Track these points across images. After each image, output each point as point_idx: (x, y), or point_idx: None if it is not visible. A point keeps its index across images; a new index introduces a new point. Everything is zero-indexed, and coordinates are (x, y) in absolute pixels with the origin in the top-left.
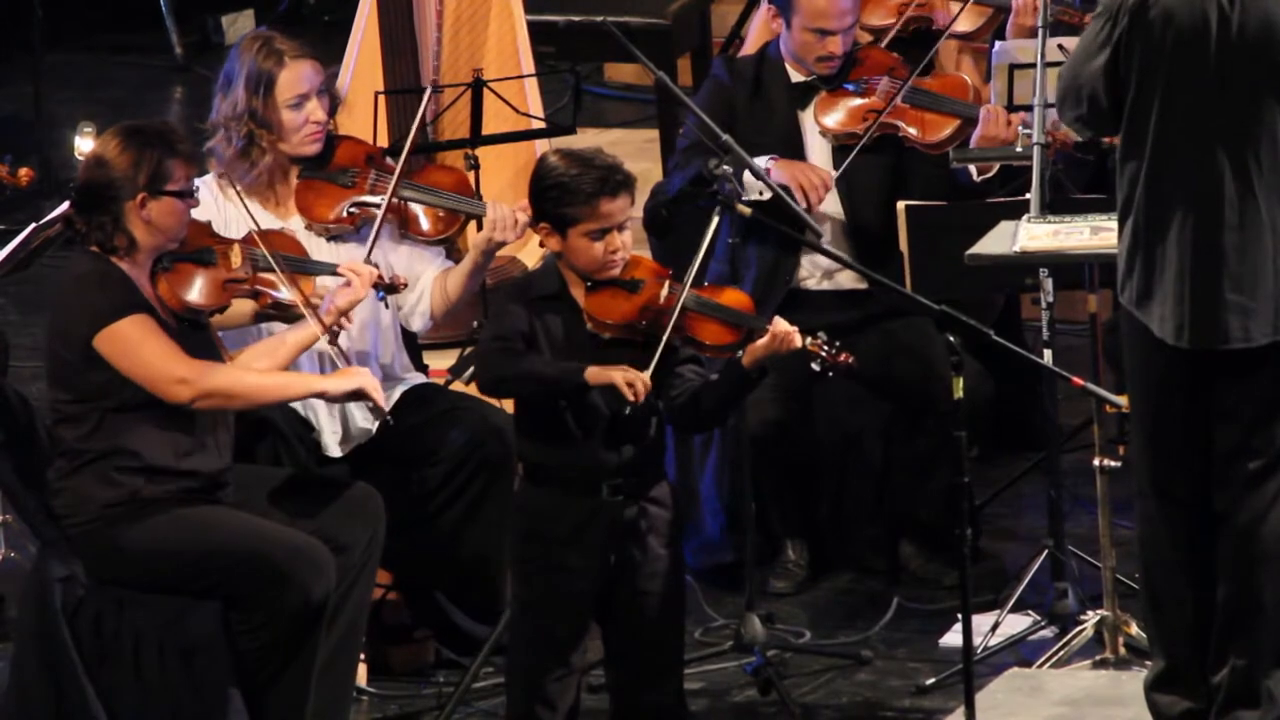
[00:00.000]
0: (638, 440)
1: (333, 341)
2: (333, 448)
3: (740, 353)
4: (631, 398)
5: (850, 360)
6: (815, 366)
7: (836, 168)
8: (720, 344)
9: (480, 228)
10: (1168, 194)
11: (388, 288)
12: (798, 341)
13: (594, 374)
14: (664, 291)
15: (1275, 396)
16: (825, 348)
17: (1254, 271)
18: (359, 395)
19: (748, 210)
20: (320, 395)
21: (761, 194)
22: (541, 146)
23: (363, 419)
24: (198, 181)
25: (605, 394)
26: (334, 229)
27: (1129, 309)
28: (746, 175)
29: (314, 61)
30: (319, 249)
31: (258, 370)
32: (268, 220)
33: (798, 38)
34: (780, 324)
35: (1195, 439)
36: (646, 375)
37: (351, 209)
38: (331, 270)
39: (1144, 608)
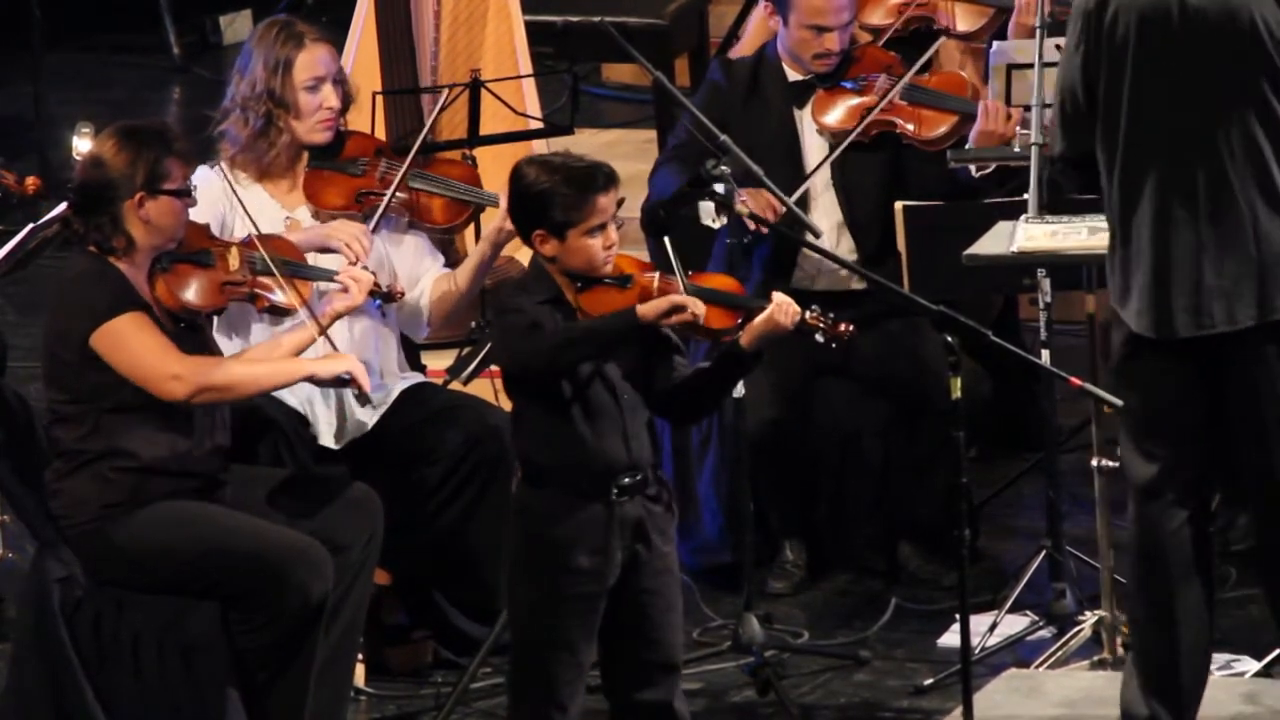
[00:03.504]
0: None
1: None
2: (327, 438)
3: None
4: (691, 316)
5: (850, 329)
6: (819, 339)
7: (834, 165)
8: (721, 328)
9: (480, 222)
10: (1141, 186)
11: (385, 296)
12: (796, 310)
13: (645, 310)
14: (656, 283)
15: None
16: (823, 320)
17: (1233, 254)
18: (346, 379)
19: (745, 210)
20: (310, 378)
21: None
22: (539, 147)
23: (359, 412)
24: (206, 171)
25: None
26: (341, 218)
27: (1115, 308)
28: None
29: (330, 47)
30: None
31: (248, 360)
32: (275, 207)
33: (795, 35)
34: (779, 296)
35: (1192, 436)
36: (701, 302)
37: (359, 198)
38: (329, 276)
39: (1136, 622)
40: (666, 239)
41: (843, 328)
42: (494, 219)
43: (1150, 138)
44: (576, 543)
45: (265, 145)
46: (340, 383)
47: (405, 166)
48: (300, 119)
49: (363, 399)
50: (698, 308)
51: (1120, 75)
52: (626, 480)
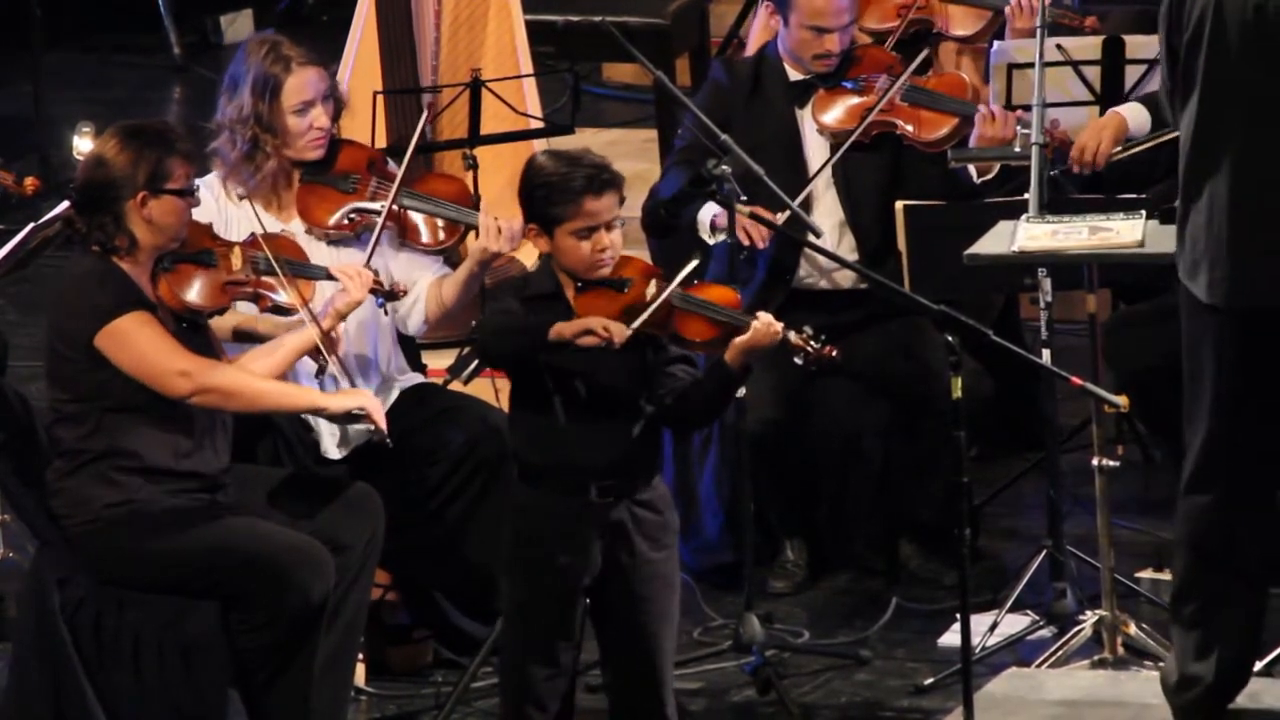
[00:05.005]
0: (627, 421)
1: (330, 351)
2: (331, 450)
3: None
4: (606, 335)
5: (834, 354)
6: (798, 361)
7: (835, 165)
8: (705, 340)
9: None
10: (1215, 145)
11: (387, 294)
12: (778, 331)
13: (560, 328)
14: (651, 290)
15: None
16: (810, 343)
17: None
18: (358, 416)
19: (746, 210)
20: (319, 411)
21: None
22: (540, 147)
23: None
24: (199, 181)
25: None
26: (334, 234)
27: (1184, 282)
28: (702, 214)
29: (319, 69)
30: (319, 253)
31: (261, 375)
32: (269, 223)
33: (795, 35)
34: (763, 317)
35: (1268, 415)
36: (625, 328)
37: (352, 215)
38: (332, 275)
39: (1185, 615)
40: (699, 249)
41: (827, 351)
42: (479, 240)
43: (1223, 95)
44: (557, 541)
45: (251, 169)
46: (352, 418)
47: (396, 184)
48: (289, 143)
49: (378, 434)
50: (610, 332)
51: (1200, 27)
52: (607, 482)
